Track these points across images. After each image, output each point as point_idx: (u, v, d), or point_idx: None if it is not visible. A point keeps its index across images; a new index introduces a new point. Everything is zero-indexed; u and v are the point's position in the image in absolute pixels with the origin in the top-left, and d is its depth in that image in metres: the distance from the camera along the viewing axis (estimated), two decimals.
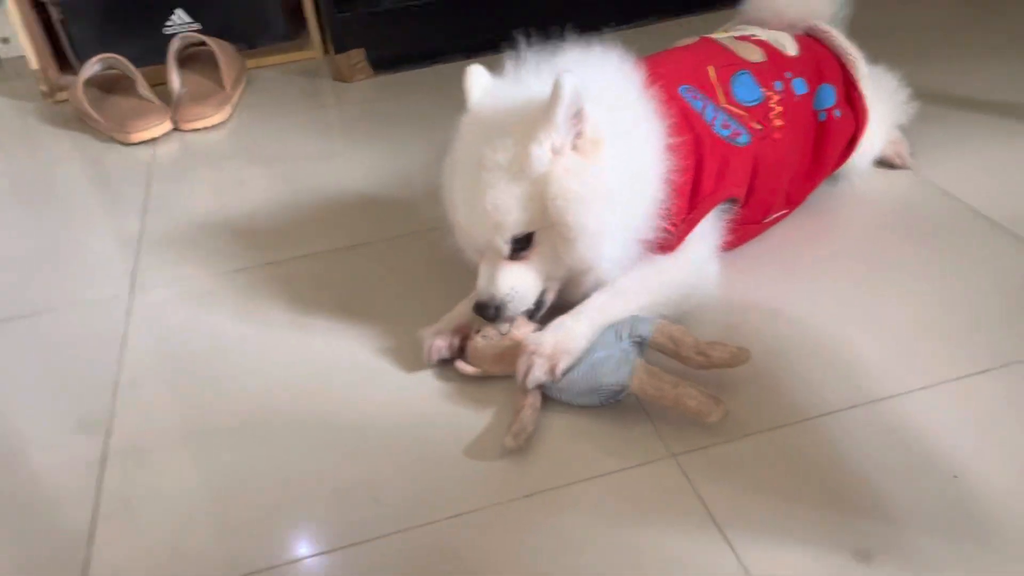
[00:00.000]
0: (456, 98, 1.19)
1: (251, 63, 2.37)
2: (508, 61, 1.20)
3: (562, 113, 1.06)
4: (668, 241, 1.19)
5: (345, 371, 1.23)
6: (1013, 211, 1.42)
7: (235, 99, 2.17)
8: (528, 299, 1.15)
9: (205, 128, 2.07)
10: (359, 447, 1.10)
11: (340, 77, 2.26)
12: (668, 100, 1.20)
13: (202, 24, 2.33)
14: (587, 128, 1.09)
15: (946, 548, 0.90)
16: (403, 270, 1.45)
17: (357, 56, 2.24)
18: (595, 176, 1.09)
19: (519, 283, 1.14)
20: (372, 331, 1.29)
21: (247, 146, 2.01)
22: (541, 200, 1.09)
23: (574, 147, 1.09)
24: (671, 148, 1.17)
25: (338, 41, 2.24)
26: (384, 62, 2.28)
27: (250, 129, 2.08)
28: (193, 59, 2.25)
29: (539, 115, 1.08)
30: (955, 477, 0.97)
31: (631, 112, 1.17)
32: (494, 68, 1.21)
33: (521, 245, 1.13)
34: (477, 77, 1.19)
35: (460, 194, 1.15)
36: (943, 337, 1.18)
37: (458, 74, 1.19)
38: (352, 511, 1.01)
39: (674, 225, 1.18)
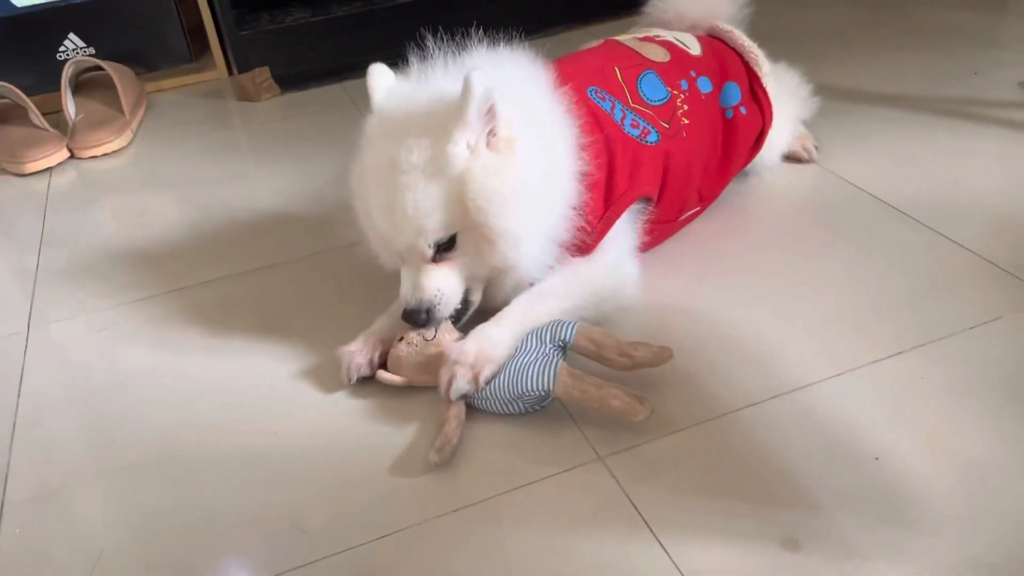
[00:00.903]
0: (367, 114, 1.17)
1: (151, 86, 2.29)
2: (413, 61, 1.17)
3: (474, 110, 1.04)
4: (586, 242, 1.18)
5: (261, 397, 1.18)
6: (911, 197, 1.47)
7: (135, 124, 2.09)
8: (455, 301, 1.14)
9: (104, 155, 1.99)
10: (279, 475, 1.06)
11: (246, 97, 2.21)
12: (578, 101, 1.20)
13: (97, 48, 2.25)
14: (500, 126, 1.08)
15: (871, 532, 0.91)
16: (318, 288, 1.41)
17: (262, 75, 2.19)
18: (513, 174, 1.08)
19: (445, 285, 1.12)
20: (288, 353, 1.25)
21: (149, 172, 1.93)
22: (461, 200, 1.07)
23: (488, 144, 1.08)
24: (584, 148, 1.17)
25: (241, 60, 2.18)
26: (291, 79, 2.23)
27: (152, 154, 2.01)
28: (90, 84, 2.16)
29: (451, 114, 1.05)
30: (876, 459, 0.99)
31: (543, 111, 1.16)
32: (401, 74, 1.18)
33: (444, 247, 1.11)
34: (380, 76, 1.16)
35: (375, 200, 1.11)
36: (855, 323, 1.21)
37: (367, 89, 1.16)
38: (275, 541, 0.97)
39: (591, 224, 1.18)
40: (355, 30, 2.23)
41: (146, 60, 2.31)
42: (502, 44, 1.21)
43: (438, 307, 1.11)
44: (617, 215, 1.22)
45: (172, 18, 2.30)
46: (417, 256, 1.11)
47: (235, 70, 2.22)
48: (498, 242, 1.09)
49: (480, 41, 1.20)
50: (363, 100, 1.17)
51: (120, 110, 2.05)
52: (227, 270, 1.49)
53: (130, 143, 2.04)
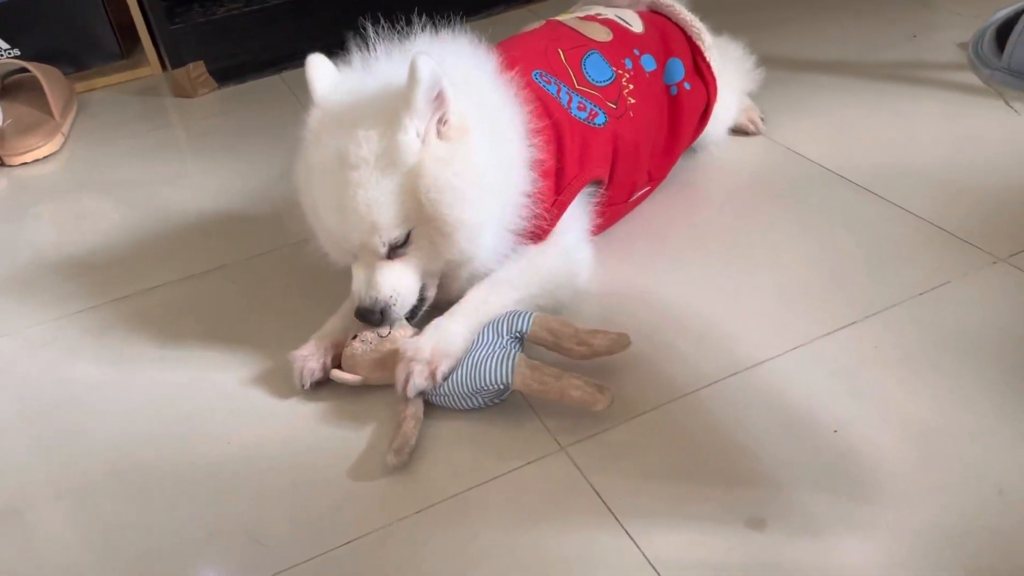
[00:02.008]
0: (309, 105, 1.13)
1: (82, 86, 2.21)
2: (355, 50, 1.14)
3: (421, 96, 1.01)
4: (539, 229, 1.17)
5: (213, 406, 1.15)
6: (857, 165, 1.48)
7: (66, 127, 2.02)
8: (411, 299, 1.11)
9: (36, 161, 1.91)
10: (235, 486, 1.03)
11: (182, 93, 2.14)
12: (525, 86, 1.17)
13: (21, 50, 2.16)
14: (450, 112, 1.04)
15: (833, 506, 0.91)
16: (266, 289, 1.38)
17: (197, 69, 2.12)
18: (466, 163, 1.05)
19: (400, 283, 1.09)
20: (238, 359, 1.22)
21: (85, 176, 1.87)
22: (415, 194, 1.04)
23: (439, 134, 1.05)
24: (534, 133, 1.15)
25: (174, 55, 2.11)
26: (228, 73, 2.17)
27: (87, 157, 1.94)
28: (16, 88, 2.08)
29: (399, 103, 1.02)
30: (835, 432, 1.00)
31: (491, 97, 1.13)
32: (342, 64, 1.15)
33: (399, 244, 1.08)
34: (320, 67, 1.11)
35: (324, 197, 1.07)
36: (809, 296, 1.21)
37: (307, 80, 1.12)
38: (234, 555, 0.95)
39: (544, 211, 1.16)
40: (291, 19, 2.17)
41: (74, 59, 2.23)
42: (445, 29, 1.18)
43: (394, 306, 1.09)
44: (569, 200, 1.20)
45: (99, 14, 2.21)
46: (370, 253, 1.08)
47: (169, 66, 2.15)
48: (454, 235, 1.07)
49: (422, 26, 1.16)
50: (303, 91, 1.13)
51: (49, 113, 1.97)
52: (172, 275, 1.44)
53: (62, 147, 1.97)
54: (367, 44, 1.13)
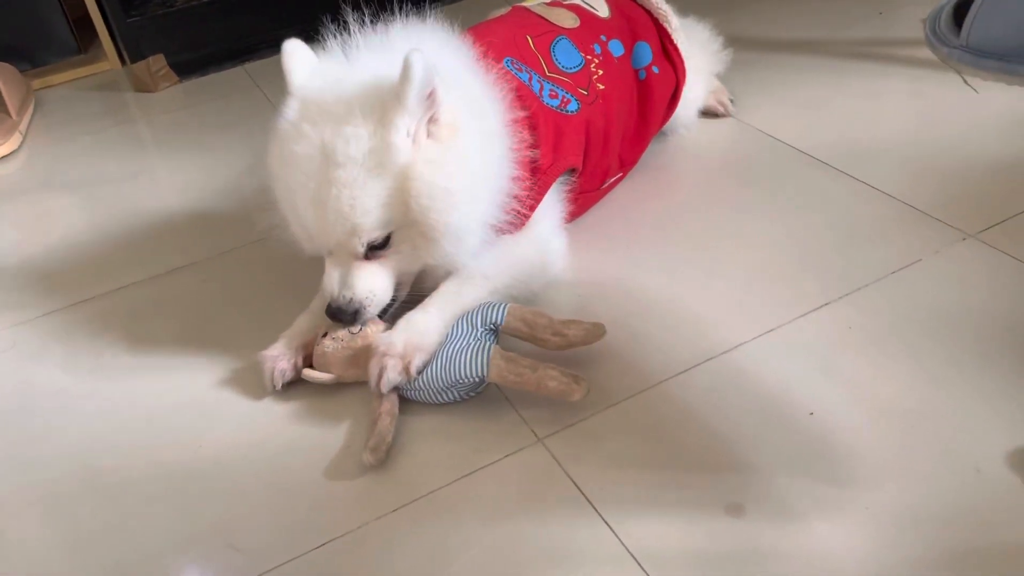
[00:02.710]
0: (275, 96, 1.10)
1: (38, 83, 2.16)
2: (331, 38, 1.09)
3: (414, 95, 0.97)
4: (515, 220, 1.15)
5: (182, 410, 1.13)
6: (827, 144, 1.48)
7: (24, 125, 1.97)
8: (385, 299, 1.09)
9: None
10: (208, 490, 1.01)
11: (142, 87, 2.09)
12: (501, 74, 1.14)
13: None
14: (442, 112, 1.01)
15: (810, 490, 0.91)
16: (235, 286, 1.36)
17: (158, 63, 2.08)
18: (458, 165, 1.02)
19: (376, 284, 1.07)
20: (207, 360, 1.19)
21: (45, 174, 1.82)
22: (402, 197, 1.00)
23: (429, 133, 1.01)
24: (514, 124, 1.12)
25: (133, 49, 2.06)
26: (189, 66, 2.13)
27: (46, 155, 1.89)
28: None
29: (389, 99, 0.98)
30: (811, 415, 1.00)
31: (474, 90, 1.10)
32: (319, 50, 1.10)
33: (378, 246, 1.05)
34: (297, 54, 1.06)
35: (304, 191, 1.02)
36: (781, 278, 1.21)
37: (272, 70, 1.09)
38: (208, 562, 0.93)
39: (521, 202, 1.14)
40: (251, 9, 2.13)
41: (30, 55, 2.18)
42: (420, 15, 1.15)
43: (368, 307, 1.07)
44: (545, 190, 1.19)
45: (54, 8, 2.16)
46: (346, 253, 1.05)
47: (128, 60, 2.11)
48: (439, 240, 1.04)
49: (399, 13, 1.13)
50: (267, 83, 1.11)
51: (6, 111, 1.93)
52: (137, 275, 1.41)
53: (20, 146, 1.92)
54: (343, 31, 1.09)
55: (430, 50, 1.02)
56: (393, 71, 0.98)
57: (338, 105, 1.01)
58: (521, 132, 1.13)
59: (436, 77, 0.99)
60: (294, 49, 1.06)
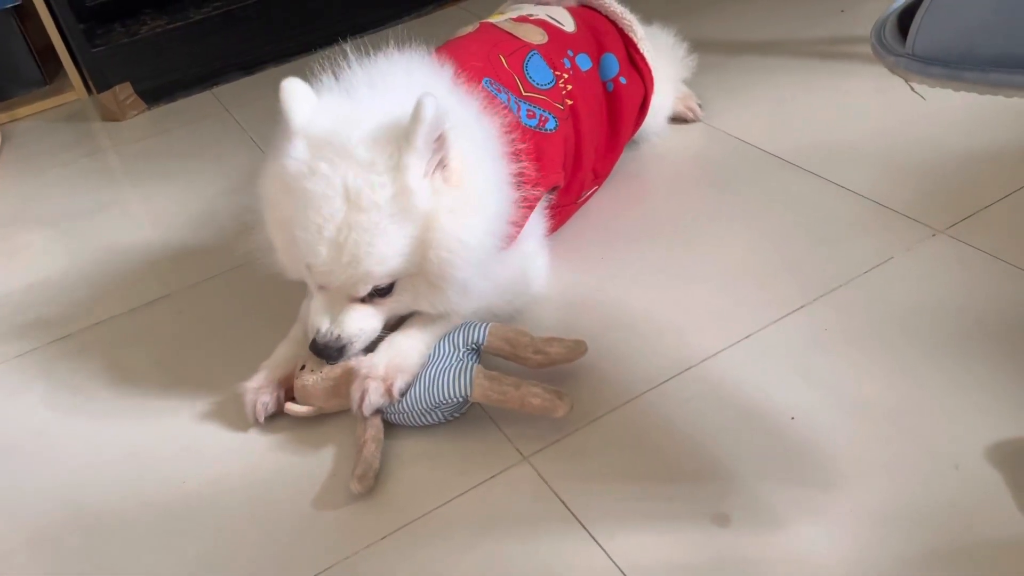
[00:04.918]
0: (245, 120, 1.09)
1: (5, 116, 2.14)
2: (323, 72, 1.08)
3: (423, 138, 0.96)
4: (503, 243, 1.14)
5: (166, 444, 1.12)
6: (796, 146, 1.50)
7: None
8: (371, 338, 1.07)
9: None
10: (195, 526, 1.00)
11: (110, 116, 2.08)
12: (491, 101, 1.13)
13: None
14: (451, 156, 1.00)
15: (795, 496, 0.92)
16: (213, 316, 1.35)
17: (124, 91, 2.06)
18: (476, 217, 1.01)
19: (367, 325, 1.05)
20: (189, 393, 1.19)
21: (16, 209, 1.80)
22: (422, 248, 0.99)
23: (443, 179, 1.00)
24: (512, 154, 1.11)
25: (99, 78, 2.05)
26: (156, 93, 2.11)
27: (16, 189, 1.87)
28: None
29: (400, 141, 0.96)
30: (792, 419, 1.01)
31: (476, 129, 1.08)
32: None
33: (382, 292, 1.03)
34: (297, 92, 1.03)
35: (316, 232, 0.98)
36: (757, 282, 1.22)
37: (241, 93, 1.09)
38: None
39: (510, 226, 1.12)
40: (217, 33, 2.11)
41: None
42: (407, 47, 1.13)
43: (355, 344, 1.06)
44: (530, 211, 1.18)
45: (16, 39, 2.14)
46: (343, 293, 1.03)
47: (94, 89, 2.09)
48: (447, 291, 1.03)
49: (385, 47, 1.12)
50: (236, 106, 1.10)
51: None
52: (115, 308, 1.40)
53: None
54: (329, 63, 1.08)
55: (434, 89, 1.00)
56: (400, 110, 0.97)
57: (355, 147, 0.98)
58: (518, 162, 1.12)
59: (446, 122, 0.98)
60: (294, 88, 1.03)
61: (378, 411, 1.05)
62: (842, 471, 0.94)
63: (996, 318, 1.09)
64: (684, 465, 0.97)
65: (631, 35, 1.46)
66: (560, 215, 1.33)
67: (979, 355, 1.04)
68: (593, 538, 0.91)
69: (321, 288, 1.05)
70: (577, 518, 0.94)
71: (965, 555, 0.84)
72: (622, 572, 0.87)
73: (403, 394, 1.05)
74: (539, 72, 1.29)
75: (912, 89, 0.78)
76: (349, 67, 1.08)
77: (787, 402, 1.03)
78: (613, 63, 1.41)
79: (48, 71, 2.22)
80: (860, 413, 1.00)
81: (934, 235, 1.24)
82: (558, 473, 0.99)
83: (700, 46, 1.68)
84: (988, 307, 1.11)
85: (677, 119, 1.62)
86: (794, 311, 1.16)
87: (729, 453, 0.98)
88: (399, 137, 0.97)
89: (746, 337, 1.13)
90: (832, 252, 1.25)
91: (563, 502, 0.96)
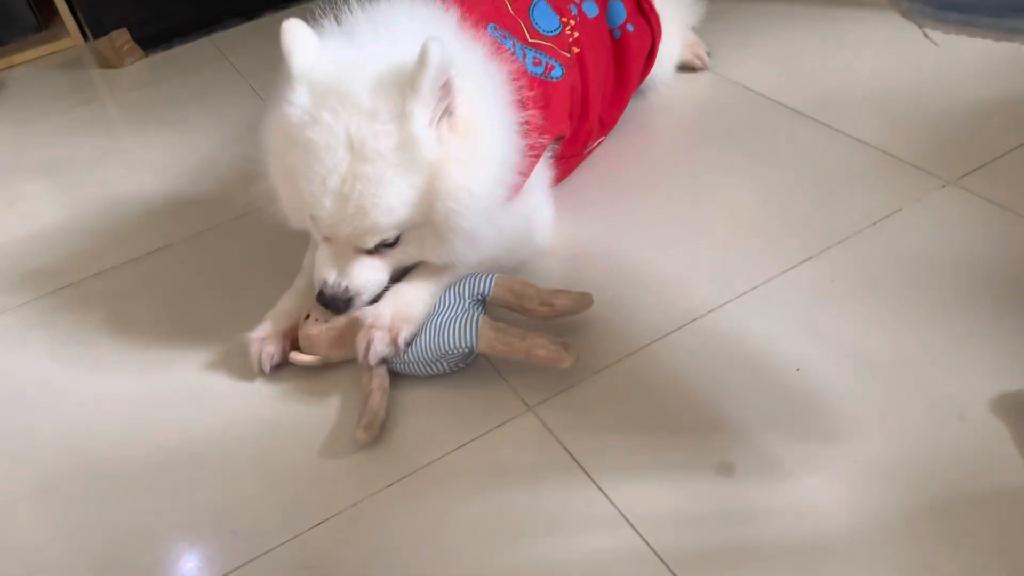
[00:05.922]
0: (244, 68, 1.07)
1: (0, 64, 2.10)
2: (325, 15, 1.05)
3: (429, 84, 0.93)
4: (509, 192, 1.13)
5: (169, 395, 1.12)
6: (805, 95, 1.47)
7: None
8: (379, 290, 1.06)
9: None
10: (202, 475, 1.01)
11: (107, 63, 2.04)
12: (497, 47, 1.10)
13: None
14: (457, 103, 0.97)
15: (799, 447, 0.92)
16: (216, 265, 1.34)
17: (121, 37, 2.02)
18: (483, 167, 0.99)
19: (374, 277, 1.04)
20: (192, 343, 1.18)
21: (13, 158, 1.78)
22: (429, 198, 0.97)
23: (449, 127, 0.97)
24: (519, 103, 1.08)
25: (95, 24, 2.01)
26: (154, 39, 2.07)
27: (13, 138, 1.85)
28: None
29: (404, 87, 0.93)
30: (798, 371, 1.00)
31: (483, 76, 1.05)
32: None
33: (388, 244, 1.02)
34: (299, 35, 0.99)
35: (320, 183, 0.96)
36: (764, 234, 1.21)
37: (241, 40, 1.07)
38: (206, 547, 0.93)
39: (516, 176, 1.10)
40: None
41: None
42: None
43: (361, 296, 1.05)
44: (536, 160, 1.16)
45: None
46: (350, 245, 1.02)
47: (90, 35, 2.05)
48: (454, 241, 1.02)
49: None
50: (236, 53, 1.08)
51: None
52: (116, 258, 1.40)
53: None
54: (331, 6, 1.05)
55: (425, 26, 0.97)
56: (405, 56, 0.94)
57: (359, 95, 0.95)
58: (525, 110, 1.09)
59: (452, 69, 0.95)
60: (295, 30, 0.99)
61: (383, 361, 1.05)
62: (847, 422, 0.94)
63: (1005, 270, 1.09)
64: (689, 415, 0.98)
65: None
66: (566, 165, 1.31)
67: (987, 307, 1.04)
68: (598, 487, 0.92)
69: (327, 239, 1.04)
70: (582, 467, 0.94)
71: (967, 505, 0.85)
72: (627, 520, 0.88)
73: (408, 344, 1.04)
74: (545, 18, 1.26)
75: (926, 35, 0.76)
76: (351, 11, 1.05)
77: (793, 354, 1.02)
78: (620, 10, 1.37)
79: (43, 17, 2.18)
80: (865, 365, 1.00)
81: (944, 186, 1.22)
82: (563, 423, 0.99)
83: None
84: (997, 259, 1.10)
85: (685, 67, 1.59)
86: (801, 263, 1.15)
87: (734, 404, 0.98)
88: (403, 84, 0.94)
89: (752, 289, 1.12)
90: (840, 203, 1.23)
91: (568, 452, 0.96)
